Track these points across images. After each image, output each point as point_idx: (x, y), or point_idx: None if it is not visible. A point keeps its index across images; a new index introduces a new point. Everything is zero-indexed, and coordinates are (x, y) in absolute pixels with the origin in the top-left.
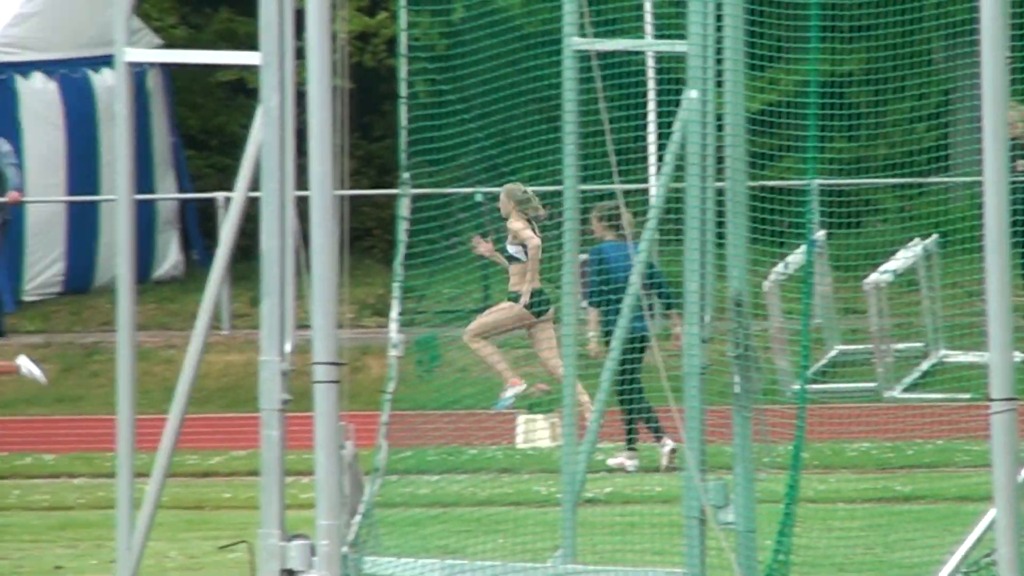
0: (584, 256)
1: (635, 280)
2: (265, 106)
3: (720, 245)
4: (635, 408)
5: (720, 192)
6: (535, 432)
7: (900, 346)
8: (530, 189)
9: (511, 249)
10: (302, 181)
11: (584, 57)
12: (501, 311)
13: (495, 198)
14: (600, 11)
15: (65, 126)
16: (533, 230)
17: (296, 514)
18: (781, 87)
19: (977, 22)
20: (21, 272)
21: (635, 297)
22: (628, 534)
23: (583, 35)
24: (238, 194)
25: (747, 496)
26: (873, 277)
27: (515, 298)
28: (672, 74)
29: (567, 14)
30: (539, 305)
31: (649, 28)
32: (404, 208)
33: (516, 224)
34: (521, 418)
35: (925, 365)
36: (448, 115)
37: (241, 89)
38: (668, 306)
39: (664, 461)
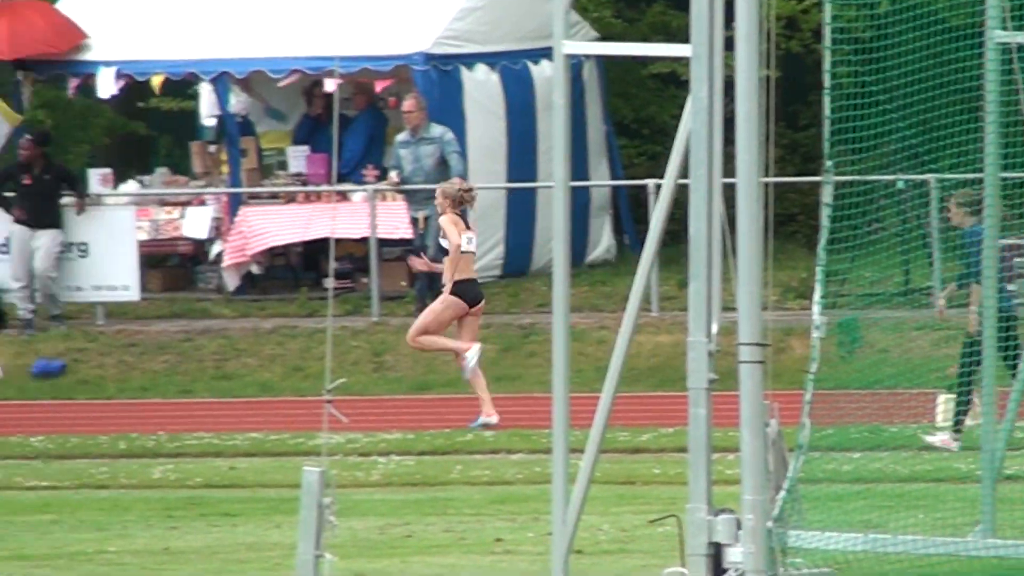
0: (1008, 240)
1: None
2: (695, 96)
3: None
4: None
5: None
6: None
7: None
8: (468, 184)
9: (443, 243)
10: (729, 168)
11: (1005, 49)
12: (434, 310)
13: (917, 185)
14: (1020, 5)
15: (506, 116)
16: (467, 225)
17: (722, 489)
18: None
19: None
20: None
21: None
22: None
23: (1004, 28)
24: (668, 181)
25: None
26: None
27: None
28: None
29: (990, 7)
30: (473, 296)
31: None
32: (827, 195)
33: (446, 222)
34: (941, 397)
35: None
36: (871, 105)
37: (672, 80)
38: None
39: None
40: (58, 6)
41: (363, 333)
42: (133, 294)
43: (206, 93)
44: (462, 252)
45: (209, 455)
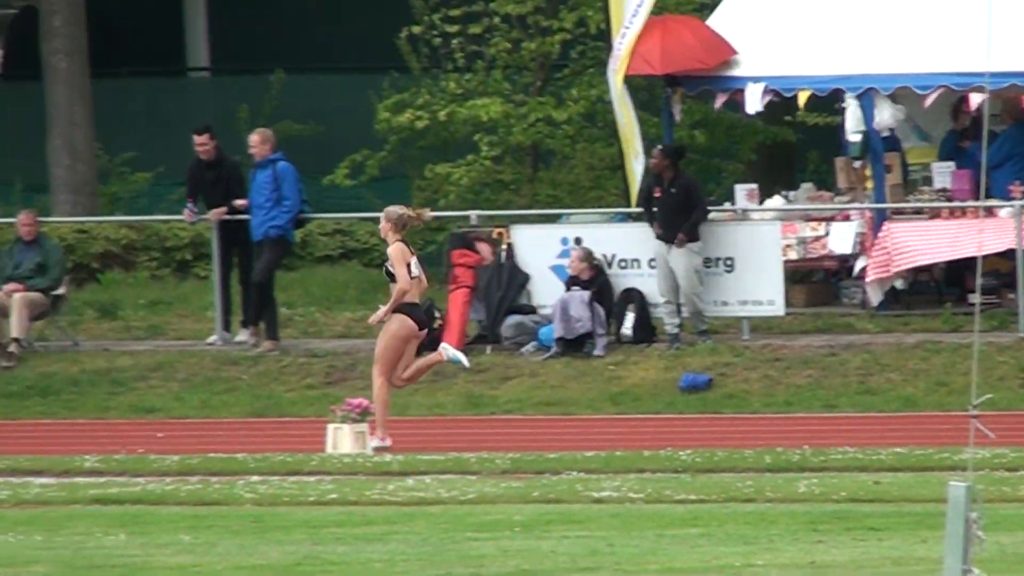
0: None
1: None
2: None
3: None
4: None
5: None
6: None
7: None
8: (409, 210)
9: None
10: None
11: None
12: (384, 338)
13: None
14: None
15: None
16: (410, 250)
17: None
18: None
19: None
20: None
21: None
22: None
23: None
24: None
25: None
26: None
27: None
28: None
29: None
30: (426, 321)
31: None
32: None
33: (394, 254)
34: None
35: None
36: None
37: None
38: None
39: None
40: (708, 22)
41: (1009, 349)
42: (778, 309)
43: (851, 108)
44: None
45: (853, 469)
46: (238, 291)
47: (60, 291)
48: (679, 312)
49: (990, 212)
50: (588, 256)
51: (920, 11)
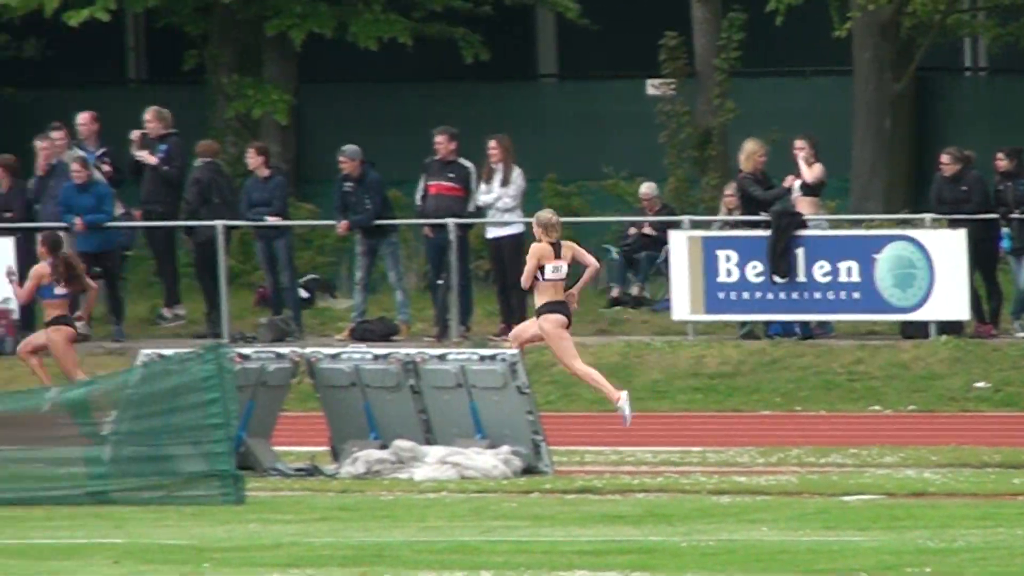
0: None
1: None
2: None
3: None
4: None
5: None
6: None
7: None
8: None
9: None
10: None
11: None
12: (551, 343)
13: None
14: None
15: None
16: (557, 255)
17: None
18: None
19: None
20: None
21: None
22: None
23: None
24: None
25: None
26: None
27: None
28: None
29: None
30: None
31: None
32: None
33: (531, 251)
34: None
35: None
36: None
37: None
38: None
39: None
40: None
41: None
42: None
43: None
44: None
45: None
46: None
47: None
48: None
49: None
50: None
51: None
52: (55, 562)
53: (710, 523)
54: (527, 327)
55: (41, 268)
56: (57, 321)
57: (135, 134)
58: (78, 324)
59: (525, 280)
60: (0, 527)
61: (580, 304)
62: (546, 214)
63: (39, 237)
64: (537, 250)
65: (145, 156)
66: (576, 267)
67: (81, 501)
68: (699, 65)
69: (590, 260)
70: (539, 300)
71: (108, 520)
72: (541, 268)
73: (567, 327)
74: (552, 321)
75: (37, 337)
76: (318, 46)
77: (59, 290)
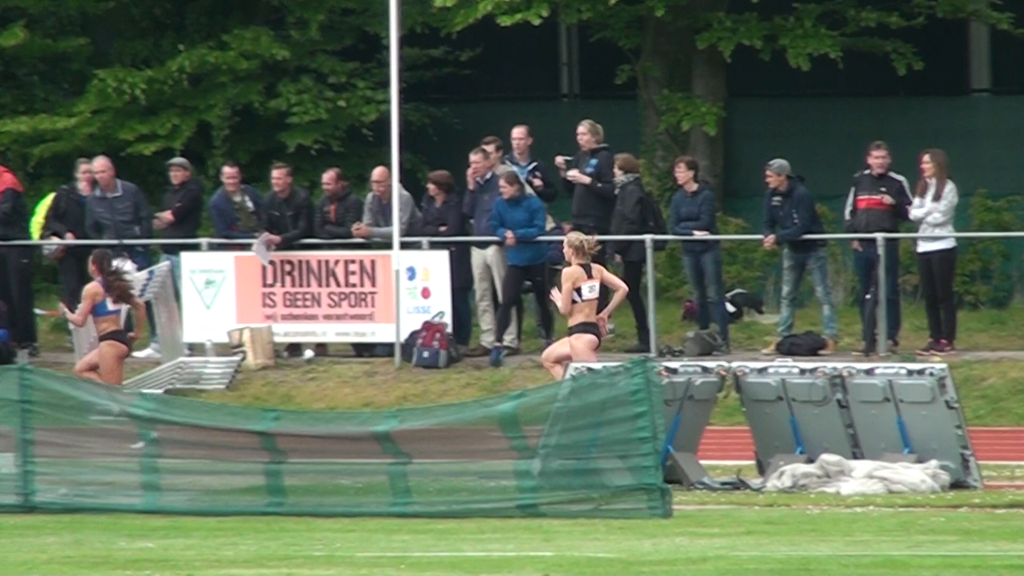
0: None
1: None
2: None
3: None
4: None
5: None
6: None
7: None
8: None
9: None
10: None
11: None
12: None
13: None
14: None
15: None
16: (589, 275)
17: None
18: None
19: None
20: None
21: None
22: None
23: None
24: None
25: None
26: None
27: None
28: None
29: None
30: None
31: None
32: None
33: (564, 275)
34: None
35: None
36: None
37: None
38: None
39: None
40: None
41: None
42: None
43: None
44: None
45: None
46: None
47: None
48: None
49: None
50: None
51: None
52: (485, 575)
53: None
54: (558, 347)
55: (94, 287)
56: (111, 336)
57: (559, 160)
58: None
59: (564, 305)
60: (433, 540)
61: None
62: (576, 236)
63: (91, 255)
64: (571, 273)
65: (577, 176)
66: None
67: (511, 514)
68: None
69: (619, 284)
70: (573, 321)
71: (537, 533)
72: (577, 290)
73: (596, 348)
74: (585, 341)
75: (92, 356)
76: (746, 59)
77: (112, 306)
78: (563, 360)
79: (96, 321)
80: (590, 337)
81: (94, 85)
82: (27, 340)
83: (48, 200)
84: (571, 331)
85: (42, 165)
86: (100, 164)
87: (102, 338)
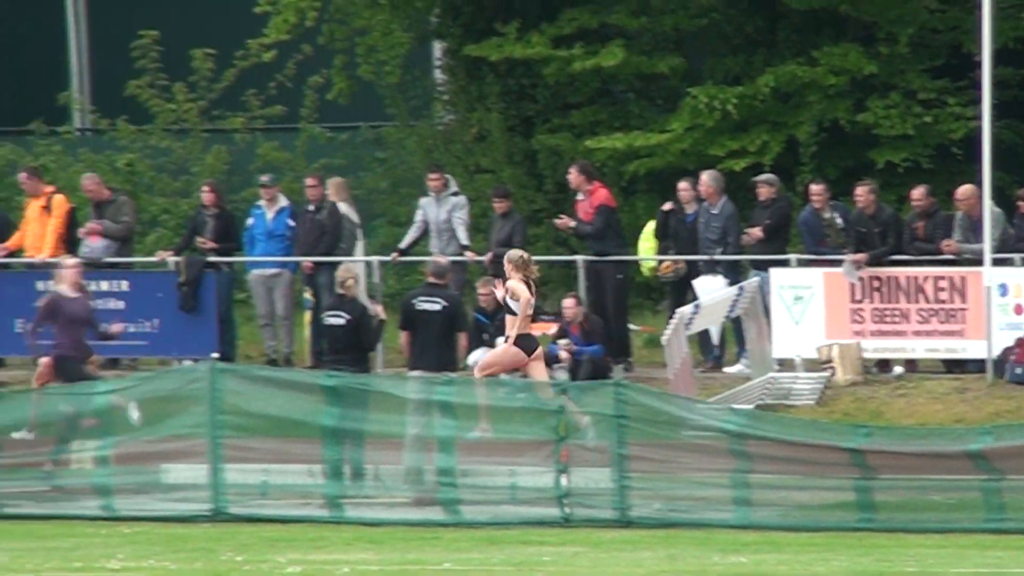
0: None
1: None
2: None
3: None
4: None
5: None
6: None
7: None
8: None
9: (511, 304)
10: None
11: None
12: (496, 353)
13: None
14: None
15: None
16: (529, 288)
17: None
18: None
19: None
20: None
21: None
22: None
23: None
24: None
25: None
26: None
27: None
28: None
29: None
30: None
31: None
32: None
33: (515, 283)
34: None
35: None
36: None
37: None
38: None
39: None
40: None
41: None
42: None
43: None
44: None
45: None
46: None
47: None
48: None
49: None
50: None
51: None
52: None
53: None
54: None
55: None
56: None
57: None
58: None
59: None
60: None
61: None
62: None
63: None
64: (524, 289)
65: None
66: None
67: None
68: None
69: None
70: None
71: None
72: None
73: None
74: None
75: None
76: None
77: None
78: None
79: None
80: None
81: (687, 102)
82: (622, 355)
83: (651, 223)
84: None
85: (635, 181)
86: (705, 177)
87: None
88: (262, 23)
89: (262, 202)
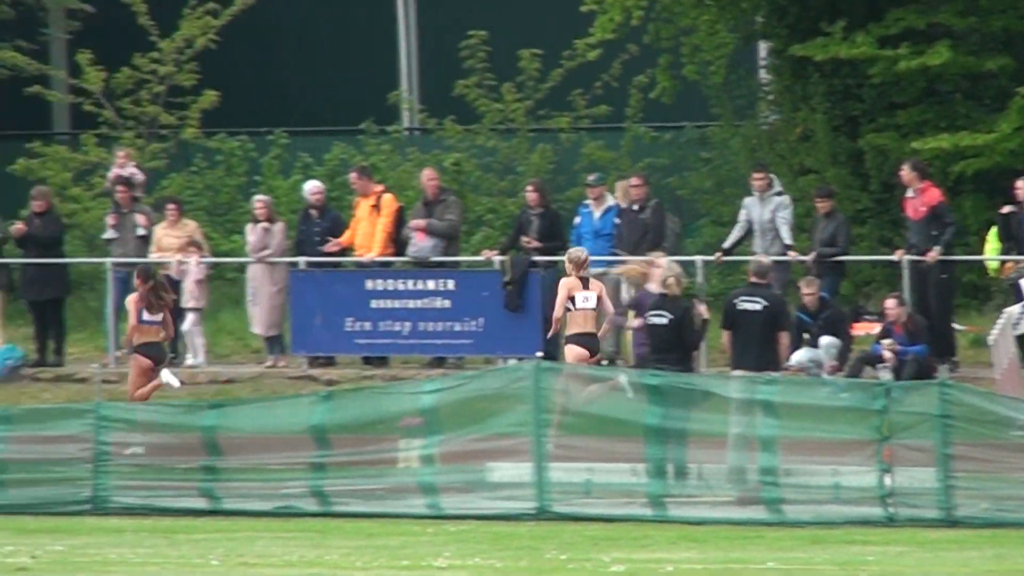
0: None
1: None
2: None
3: None
4: None
5: None
6: None
7: None
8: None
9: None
10: None
11: None
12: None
13: None
14: None
15: None
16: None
17: None
18: None
19: None
20: None
21: None
22: None
23: None
24: None
25: None
26: None
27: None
28: None
29: None
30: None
31: None
32: None
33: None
34: None
35: None
36: None
37: None
38: None
39: None
40: None
41: None
42: None
43: None
44: None
45: None
46: None
47: None
48: None
49: None
50: None
51: None
52: None
53: None
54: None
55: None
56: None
57: None
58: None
59: (557, 311)
60: None
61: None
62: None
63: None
64: (566, 282)
65: None
66: None
67: None
68: None
69: (607, 309)
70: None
71: None
72: (571, 298)
73: (588, 360)
74: (575, 354)
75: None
76: None
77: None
78: None
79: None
80: (579, 351)
81: (1016, 102)
82: (947, 355)
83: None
84: (566, 341)
85: (962, 181)
86: None
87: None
88: (588, 22)
89: (589, 201)
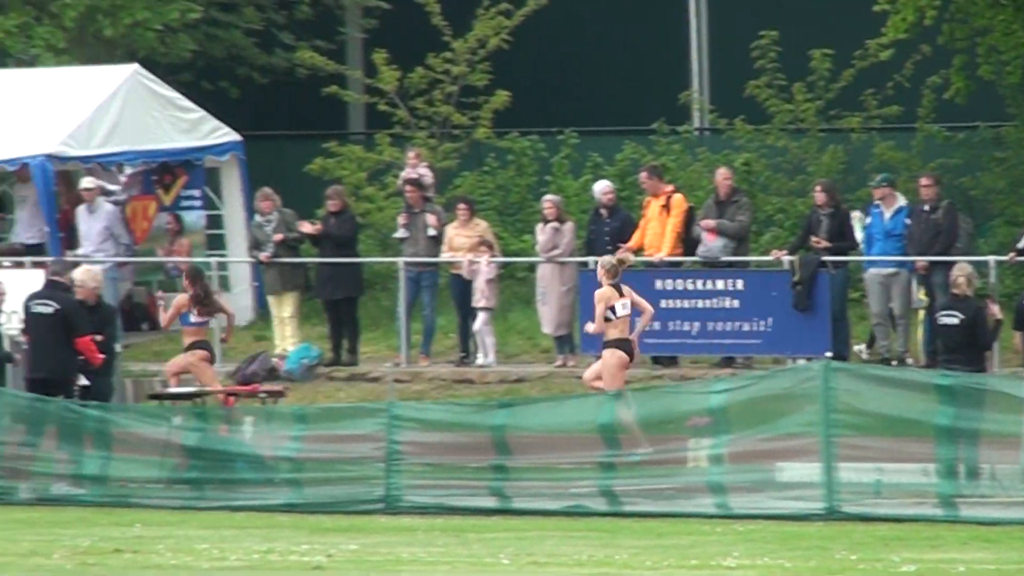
0: None
1: None
2: None
3: None
4: None
5: None
6: None
7: None
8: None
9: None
10: None
11: None
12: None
13: None
14: None
15: None
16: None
17: None
18: None
19: None
20: None
21: None
22: None
23: None
24: None
25: None
26: None
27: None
28: None
29: None
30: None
31: None
32: None
33: (598, 295)
34: None
35: None
36: None
37: None
38: None
39: None
40: None
41: None
42: None
43: None
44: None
45: None
46: None
47: None
48: None
49: None
50: None
51: None
52: None
53: None
54: (596, 365)
55: (181, 299)
56: (194, 346)
57: None
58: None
59: (598, 325)
60: None
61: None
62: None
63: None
64: (603, 294)
65: None
66: None
67: None
68: None
69: (645, 306)
70: (607, 336)
71: None
72: (611, 308)
73: (627, 366)
74: (617, 356)
75: (177, 361)
76: None
77: (194, 318)
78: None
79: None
80: (621, 354)
81: None
82: None
83: None
84: (605, 346)
85: None
86: None
87: (186, 348)
88: (880, 22)
89: (878, 202)
